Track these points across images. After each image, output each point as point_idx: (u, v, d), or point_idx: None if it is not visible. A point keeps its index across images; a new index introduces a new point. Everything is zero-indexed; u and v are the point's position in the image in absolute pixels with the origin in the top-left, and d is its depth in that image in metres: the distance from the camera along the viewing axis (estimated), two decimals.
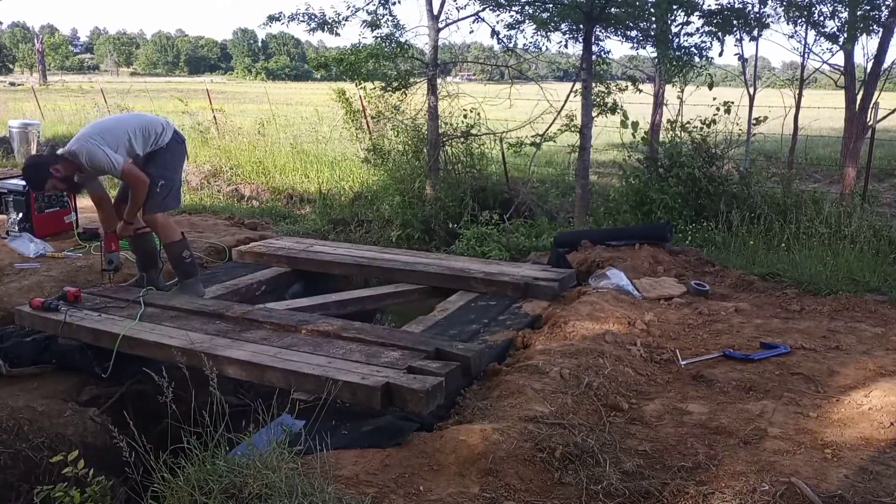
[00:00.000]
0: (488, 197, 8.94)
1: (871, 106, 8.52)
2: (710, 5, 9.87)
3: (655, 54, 8.50)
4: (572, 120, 8.67)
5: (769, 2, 8.97)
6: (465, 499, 2.46)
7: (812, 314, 4.51)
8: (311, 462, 2.52)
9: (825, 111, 10.51)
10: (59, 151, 4.66)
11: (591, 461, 2.67)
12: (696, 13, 8.39)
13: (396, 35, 9.32)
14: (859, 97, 8.72)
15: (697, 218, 6.75)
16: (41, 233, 6.15)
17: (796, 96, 9.52)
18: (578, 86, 8.74)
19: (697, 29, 8.66)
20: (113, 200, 4.93)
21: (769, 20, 9.06)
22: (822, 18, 9.09)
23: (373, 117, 11.63)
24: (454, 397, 3.42)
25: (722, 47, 8.64)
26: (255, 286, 5.38)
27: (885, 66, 8.81)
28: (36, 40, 57.37)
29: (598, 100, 8.80)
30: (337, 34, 9.47)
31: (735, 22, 8.44)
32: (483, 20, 9.52)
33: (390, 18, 9.35)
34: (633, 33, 8.78)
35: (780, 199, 6.85)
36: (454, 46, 12.64)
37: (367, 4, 9.27)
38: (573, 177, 9.83)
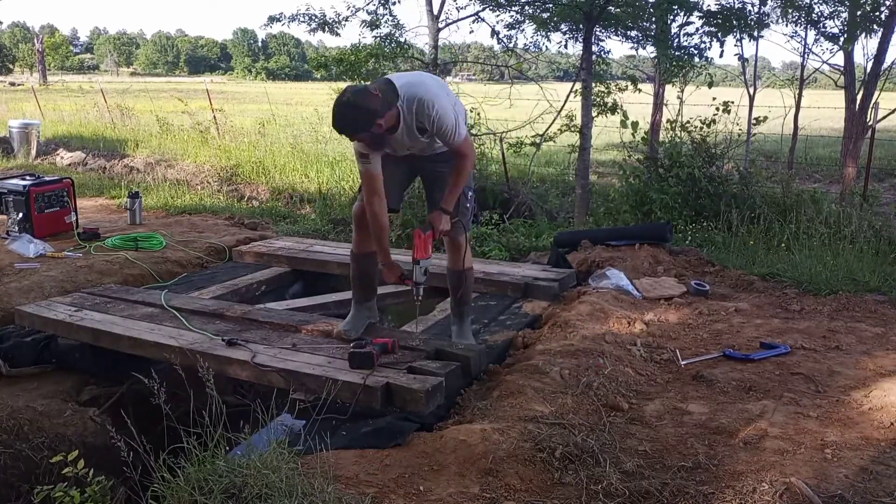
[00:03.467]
0: (488, 197, 8.95)
1: (871, 106, 8.53)
2: (709, 5, 9.90)
3: (655, 54, 8.51)
4: (572, 120, 8.68)
5: (769, 2, 8.99)
6: (465, 499, 2.46)
7: (812, 314, 4.51)
8: (311, 462, 2.52)
9: (825, 111, 10.53)
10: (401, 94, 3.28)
11: (591, 461, 2.67)
12: (696, 13, 8.41)
13: (396, 35, 9.35)
14: (859, 97, 8.74)
15: (697, 218, 6.75)
16: (41, 233, 6.14)
17: (796, 96, 9.54)
18: (578, 86, 8.75)
19: (697, 29, 8.69)
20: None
21: (769, 20, 9.08)
22: (821, 18, 9.11)
23: None
24: (454, 397, 3.42)
25: (722, 47, 8.67)
26: (255, 286, 5.38)
27: (885, 65, 8.83)
28: (36, 40, 57.30)
29: (598, 100, 8.81)
30: (337, 34, 9.52)
31: (735, 22, 8.45)
32: (483, 20, 9.57)
33: (390, 18, 9.38)
34: (633, 33, 8.80)
35: (780, 199, 6.86)
36: (454, 46, 12.65)
37: (367, 4, 9.31)
38: (573, 177, 9.83)
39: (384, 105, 3.22)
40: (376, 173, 3.46)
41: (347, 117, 3.20)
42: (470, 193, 3.72)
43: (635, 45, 9.17)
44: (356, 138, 3.30)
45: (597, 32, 8.69)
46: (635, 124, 7.88)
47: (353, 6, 9.30)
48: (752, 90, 9.66)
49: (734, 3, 8.65)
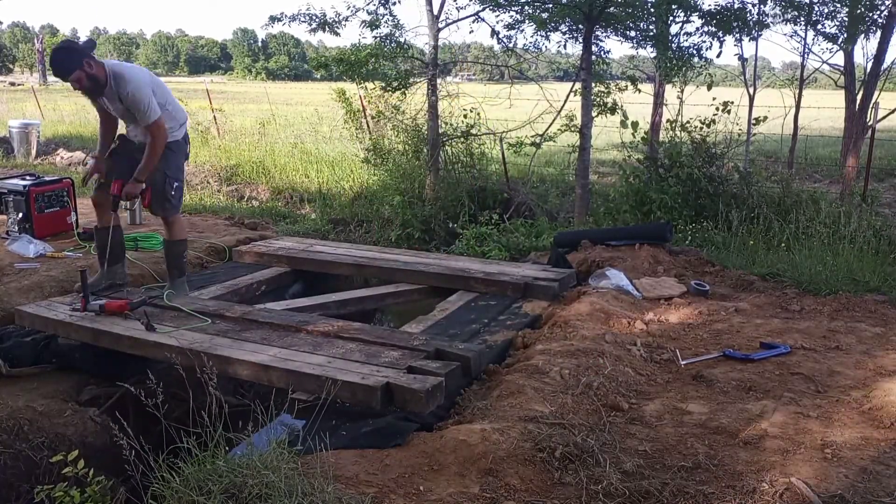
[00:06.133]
0: (488, 197, 8.95)
1: (871, 106, 8.53)
2: (709, 6, 9.88)
3: (655, 54, 8.50)
4: (572, 120, 8.67)
5: (769, 1, 8.98)
6: (465, 499, 2.46)
7: (812, 314, 4.51)
8: (310, 462, 2.52)
9: (825, 111, 10.53)
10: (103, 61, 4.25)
11: (591, 461, 2.67)
12: (696, 13, 8.39)
13: (396, 35, 9.34)
14: (859, 97, 8.73)
15: (697, 218, 6.75)
16: (41, 233, 6.14)
17: (796, 96, 9.53)
18: (578, 86, 8.74)
19: (697, 29, 8.67)
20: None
21: (769, 20, 9.07)
22: (820, 18, 9.10)
23: (373, 117, 11.64)
24: (454, 397, 3.42)
25: (721, 47, 8.64)
26: (255, 286, 5.38)
27: (885, 65, 8.82)
28: (36, 40, 57.21)
29: (598, 100, 8.80)
30: (337, 34, 9.49)
31: (735, 22, 8.44)
32: (483, 20, 9.54)
33: (390, 18, 9.36)
34: (633, 33, 8.78)
35: (780, 199, 6.85)
36: (454, 46, 12.66)
37: (368, 4, 9.28)
38: (573, 177, 9.82)
39: (86, 47, 4.17)
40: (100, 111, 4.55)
41: (62, 56, 4.08)
42: (177, 185, 4.60)
43: (635, 46, 9.15)
44: (75, 76, 4.07)
45: (596, 32, 8.67)
46: (635, 124, 7.87)
47: (353, 6, 9.29)
48: (751, 90, 9.64)
49: (734, 2, 8.64)
